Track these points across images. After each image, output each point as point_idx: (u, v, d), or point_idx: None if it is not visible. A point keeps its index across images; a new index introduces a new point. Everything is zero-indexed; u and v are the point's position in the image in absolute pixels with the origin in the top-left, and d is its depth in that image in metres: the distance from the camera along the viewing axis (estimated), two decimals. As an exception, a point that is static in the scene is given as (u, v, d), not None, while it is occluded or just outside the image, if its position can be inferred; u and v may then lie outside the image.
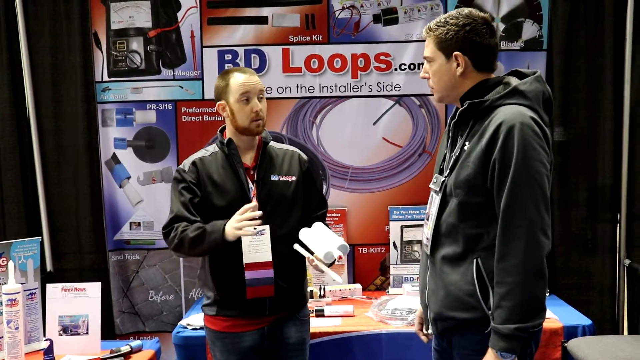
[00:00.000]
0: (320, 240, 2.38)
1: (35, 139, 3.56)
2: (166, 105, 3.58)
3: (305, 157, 2.60)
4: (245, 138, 2.46)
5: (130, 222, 3.63)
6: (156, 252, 3.64)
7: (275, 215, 2.44)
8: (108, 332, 3.50)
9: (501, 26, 3.49)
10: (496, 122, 1.87)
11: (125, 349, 2.65)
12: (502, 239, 1.86)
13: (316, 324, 2.95)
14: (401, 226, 3.54)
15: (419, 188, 3.53)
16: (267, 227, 2.40)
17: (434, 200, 2.06)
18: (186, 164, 2.46)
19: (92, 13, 3.52)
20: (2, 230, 3.59)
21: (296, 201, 2.51)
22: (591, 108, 3.55)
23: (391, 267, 3.56)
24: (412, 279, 3.50)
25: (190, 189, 2.41)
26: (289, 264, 2.46)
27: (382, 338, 2.94)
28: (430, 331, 2.12)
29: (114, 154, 3.60)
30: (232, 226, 2.29)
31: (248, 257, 2.38)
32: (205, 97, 3.55)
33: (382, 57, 3.54)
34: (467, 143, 1.96)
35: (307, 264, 2.49)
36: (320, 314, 3.10)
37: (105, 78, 3.56)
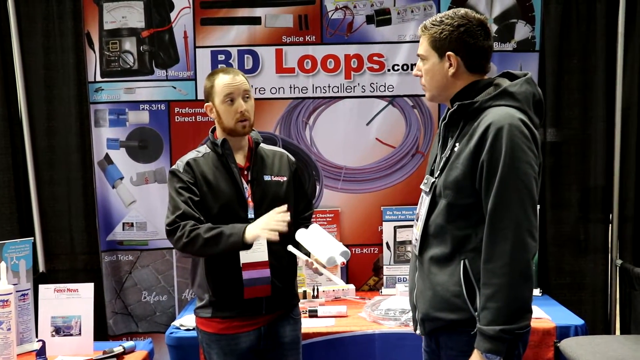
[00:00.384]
0: (321, 244, 2.39)
1: (28, 139, 3.55)
2: (159, 105, 3.58)
3: (293, 158, 2.61)
4: (235, 139, 2.46)
5: (123, 223, 3.63)
6: (149, 252, 3.64)
7: None
8: (101, 333, 3.49)
9: (494, 27, 3.50)
10: (485, 123, 1.88)
11: (118, 349, 2.64)
12: (488, 241, 1.86)
13: (309, 325, 2.95)
14: (394, 227, 3.54)
15: (412, 188, 3.53)
16: None
17: (424, 201, 2.07)
18: (180, 165, 2.44)
19: (85, 13, 3.51)
20: (-6, 231, 3.58)
21: (288, 201, 2.51)
22: (583, 109, 3.57)
23: (384, 267, 3.56)
24: (405, 279, 3.51)
25: (189, 189, 2.39)
26: (283, 263, 2.47)
27: (376, 338, 2.94)
28: (418, 332, 2.13)
29: (107, 154, 3.59)
30: (262, 227, 2.26)
31: (245, 257, 2.38)
32: (198, 98, 3.55)
33: (375, 58, 3.55)
34: (457, 144, 1.97)
35: (300, 264, 2.50)
36: (313, 314, 3.10)
37: (98, 78, 3.56)
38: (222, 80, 2.42)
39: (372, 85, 3.56)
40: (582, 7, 3.51)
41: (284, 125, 3.60)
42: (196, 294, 2.52)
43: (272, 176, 2.49)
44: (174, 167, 2.46)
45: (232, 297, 2.40)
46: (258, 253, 2.39)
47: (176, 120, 3.57)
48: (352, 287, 3.47)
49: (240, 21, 3.54)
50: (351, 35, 3.54)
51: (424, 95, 3.39)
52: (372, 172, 3.62)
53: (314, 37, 3.54)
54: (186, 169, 2.42)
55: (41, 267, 3.57)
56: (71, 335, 2.68)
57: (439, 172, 2.01)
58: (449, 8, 3.32)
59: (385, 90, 3.56)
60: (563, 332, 2.91)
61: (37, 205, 3.58)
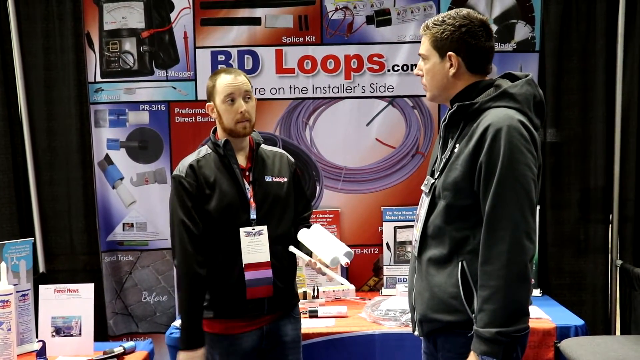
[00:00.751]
0: (324, 245, 2.39)
1: (28, 139, 3.55)
2: (159, 106, 3.58)
3: (292, 159, 2.62)
4: (236, 140, 2.45)
5: (124, 223, 3.63)
6: (149, 253, 3.64)
7: (271, 215, 2.45)
8: (101, 333, 3.49)
9: (494, 27, 3.48)
10: (484, 125, 1.88)
11: (118, 350, 2.64)
12: (486, 242, 1.86)
13: (309, 325, 2.95)
14: (394, 227, 3.54)
15: (412, 189, 3.53)
16: (264, 228, 2.42)
17: (424, 202, 2.07)
18: (182, 169, 2.42)
19: (85, 14, 3.51)
20: (-5, 232, 3.58)
21: (289, 202, 2.52)
22: (583, 109, 3.57)
23: (384, 268, 3.56)
24: (405, 279, 3.51)
25: (194, 196, 2.38)
26: (284, 264, 2.48)
27: (376, 339, 2.94)
28: (416, 333, 2.12)
29: (107, 154, 3.59)
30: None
31: (247, 258, 2.39)
32: (198, 98, 3.55)
33: (375, 58, 3.55)
34: (456, 145, 1.96)
35: (300, 264, 2.50)
36: (313, 314, 3.10)
37: (98, 79, 3.56)
38: (224, 80, 2.42)
39: (372, 85, 3.56)
40: (582, 7, 3.52)
41: (284, 126, 3.60)
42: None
43: (273, 177, 2.49)
44: (176, 172, 2.43)
45: (234, 298, 2.40)
46: (260, 254, 2.40)
47: (176, 120, 3.57)
48: (352, 287, 3.47)
49: (240, 22, 3.54)
50: (351, 36, 3.54)
51: (424, 96, 3.38)
52: (372, 172, 3.62)
53: (314, 37, 3.54)
54: (189, 172, 2.40)
55: (41, 268, 3.57)
56: (71, 335, 2.68)
57: (438, 173, 2.01)
58: (449, 9, 3.33)
59: (385, 91, 3.57)
60: (563, 332, 2.91)
61: (37, 206, 3.58)
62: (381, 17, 3.53)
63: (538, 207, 1.93)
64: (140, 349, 2.74)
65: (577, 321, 2.99)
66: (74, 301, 2.69)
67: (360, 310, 3.16)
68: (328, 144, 3.61)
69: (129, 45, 3.54)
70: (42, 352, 2.55)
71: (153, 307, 3.66)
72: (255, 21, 3.53)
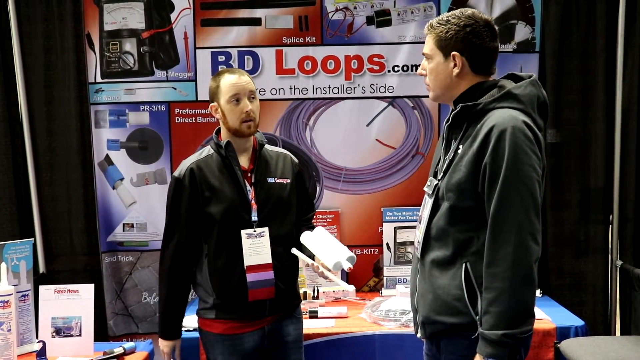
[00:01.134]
0: (328, 249, 2.39)
1: (28, 140, 3.55)
2: (159, 106, 3.58)
3: (296, 160, 2.61)
4: (240, 140, 2.45)
5: (124, 224, 3.63)
6: (149, 253, 3.63)
7: (273, 217, 2.45)
8: (101, 333, 3.49)
9: (494, 28, 3.50)
10: (488, 125, 1.87)
11: (118, 350, 2.64)
12: (491, 244, 1.85)
13: (310, 325, 2.95)
14: (394, 227, 3.54)
15: (413, 189, 3.53)
16: (266, 229, 2.42)
17: (427, 204, 2.06)
18: (182, 171, 2.43)
19: (85, 14, 3.51)
20: (-5, 232, 3.58)
21: (291, 203, 2.52)
22: (583, 110, 3.57)
23: (384, 268, 3.56)
24: (405, 280, 3.51)
25: (187, 201, 2.40)
26: (286, 265, 2.48)
27: (376, 339, 2.94)
28: (419, 335, 2.12)
29: (107, 155, 3.59)
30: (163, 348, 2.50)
31: (249, 260, 2.39)
32: (198, 99, 3.55)
33: (375, 59, 3.55)
34: (460, 146, 1.95)
35: (301, 265, 2.50)
36: (313, 315, 3.10)
37: (98, 79, 3.56)
38: (228, 80, 2.41)
39: (372, 86, 3.57)
40: (582, 8, 3.52)
41: (284, 126, 3.60)
42: (199, 296, 2.51)
43: (276, 178, 2.49)
44: (175, 173, 2.45)
45: (236, 300, 2.40)
46: (261, 255, 2.40)
47: (176, 121, 3.57)
48: (352, 288, 3.46)
49: (240, 22, 3.54)
50: (351, 36, 3.54)
51: (424, 96, 3.39)
52: (372, 173, 3.62)
53: (314, 38, 3.54)
54: (188, 174, 2.41)
55: (41, 268, 3.57)
56: (71, 336, 2.68)
57: (442, 174, 2.00)
58: (449, 9, 3.34)
59: (385, 91, 3.57)
60: (563, 332, 2.91)
61: (38, 206, 3.58)
62: (381, 18, 3.53)
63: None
64: (140, 349, 2.73)
65: (577, 322, 2.99)
66: (74, 302, 2.69)
67: (360, 311, 3.16)
68: (328, 144, 3.61)
69: (129, 45, 3.54)
70: (42, 353, 2.55)
71: (153, 307, 3.66)
72: (256, 22, 3.54)
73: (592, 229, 3.62)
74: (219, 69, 3.47)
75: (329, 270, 2.35)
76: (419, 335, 2.12)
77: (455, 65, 1.97)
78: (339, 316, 3.12)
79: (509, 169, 1.82)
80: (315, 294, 3.37)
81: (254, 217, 2.42)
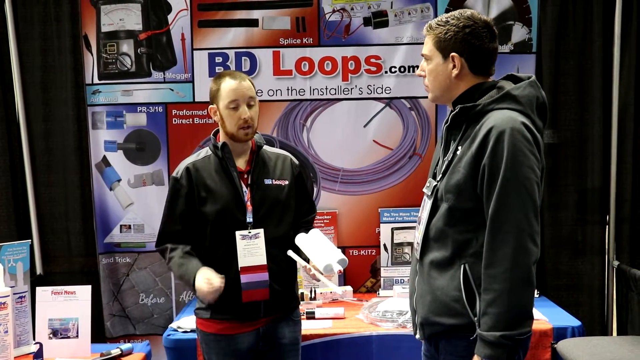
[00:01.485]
0: (319, 251, 2.38)
1: (25, 141, 3.55)
2: (157, 107, 3.58)
3: (296, 161, 2.61)
4: (237, 143, 2.45)
5: (121, 225, 3.63)
6: (147, 255, 3.63)
7: (268, 218, 2.45)
8: (98, 335, 3.49)
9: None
10: (487, 127, 1.86)
11: (115, 352, 2.64)
12: (489, 246, 1.84)
13: (307, 326, 2.94)
14: (392, 228, 3.54)
15: (410, 190, 3.54)
16: (261, 231, 2.41)
17: (426, 205, 2.05)
18: (179, 171, 2.45)
19: (83, 15, 3.51)
20: (-8, 233, 3.58)
21: (289, 205, 2.51)
22: (580, 110, 3.58)
23: (382, 269, 3.56)
24: (402, 281, 3.51)
25: (184, 199, 2.42)
26: (282, 267, 2.47)
27: (373, 340, 2.94)
28: (418, 336, 2.12)
29: (105, 156, 3.59)
30: (201, 287, 2.28)
31: (243, 261, 2.39)
32: (195, 100, 3.55)
33: (372, 60, 3.55)
34: (459, 148, 1.95)
35: (298, 267, 2.50)
36: (310, 316, 3.10)
37: (96, 80, 3.56)
38: (228, 85, 2.40)
39: (369, 87, 3.57)
40: (578, 8, 3.53)
41: (282, 127, 3.60)
42: (195, 296, 2.51)
43: (274, 180, 2.48)
44: (173, 173, 2.48)
45: (230, 301, 2.40)
46: (256, 257, 2.40)
47: (174, 122, 3.57)
48: (349, 288, 3.48)
49: (237, 23, 3.54)
50: (348, 38, 3.55)
51: (421, 97, 3.39)
52: (370, 173, 3.62)
53: (311, 39, 3.54)
54: (184, 174, 2.43)
55: (38, 270, 3.57)
56: (68, 337, 2.67)
57: (441, 175, 1.99)
58: (446, 10, 3.35)
59: (382, 92, 3.57)
60: (560, 333, 2.91)
61: (35, 208, 3.58)
62: (378, 19, 3.53)
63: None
64: (137, 350, 2.73)
65: (574, 322, 2.99)
66: (71, 303, 2.69)
67: (358, 312, 3.16)
68: (325, 145, 3.61)
69: (127, 47, 3.54)
70: (39, 354, 2.55)
71: (150, 309, 3.66)
72: (253, 23, 3.54)
73: (589, 229, 3.62)
74: (216, 71, 3.47)
75: (321, 273, 2.35)
76: (417, 336, 2.11)
77: (454, 66, 1.96)
78: (336, 317, 3.12)
79: (507, 170, 1.82)
80: (313, 295, 3.37)
81: (249, 219, 2.42)
